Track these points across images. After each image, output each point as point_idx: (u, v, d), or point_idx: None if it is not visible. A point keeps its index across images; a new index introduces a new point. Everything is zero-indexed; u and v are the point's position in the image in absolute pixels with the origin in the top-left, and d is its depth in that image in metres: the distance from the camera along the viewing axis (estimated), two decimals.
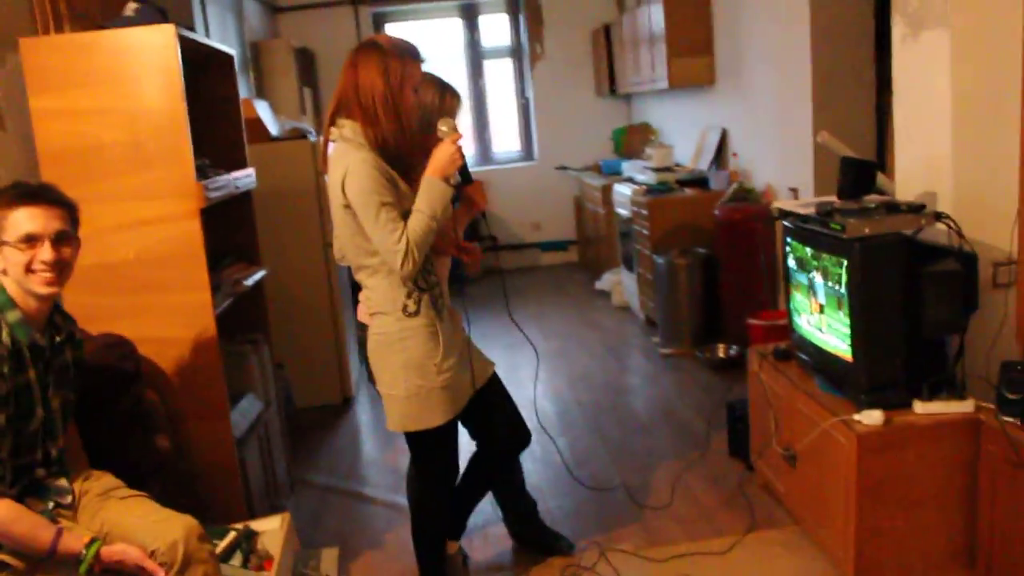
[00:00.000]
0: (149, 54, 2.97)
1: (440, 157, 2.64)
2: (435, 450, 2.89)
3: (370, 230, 2.55)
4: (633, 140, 8.46)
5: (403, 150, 2.62)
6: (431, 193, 2.60)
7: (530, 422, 3.16)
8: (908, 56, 3.38)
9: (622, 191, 6.81)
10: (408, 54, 2.63)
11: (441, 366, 2.72)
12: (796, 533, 3.34)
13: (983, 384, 2.93)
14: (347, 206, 2.57)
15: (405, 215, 2.57)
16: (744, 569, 3.17)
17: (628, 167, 7.49)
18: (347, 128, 2.61)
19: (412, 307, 2.67)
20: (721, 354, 5.47)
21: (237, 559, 2.68)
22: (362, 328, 2.93)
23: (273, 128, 5.28)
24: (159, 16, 3.15)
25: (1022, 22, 2.54)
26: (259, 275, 3.75)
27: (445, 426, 2.78)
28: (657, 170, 6.68)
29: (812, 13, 4.75)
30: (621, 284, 7.16)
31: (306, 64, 7.97)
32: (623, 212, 6.79)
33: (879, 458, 2.80)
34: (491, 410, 3.00)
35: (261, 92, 7.05)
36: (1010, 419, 2.65)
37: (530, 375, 4.61)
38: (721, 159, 6.45)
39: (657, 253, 5.94)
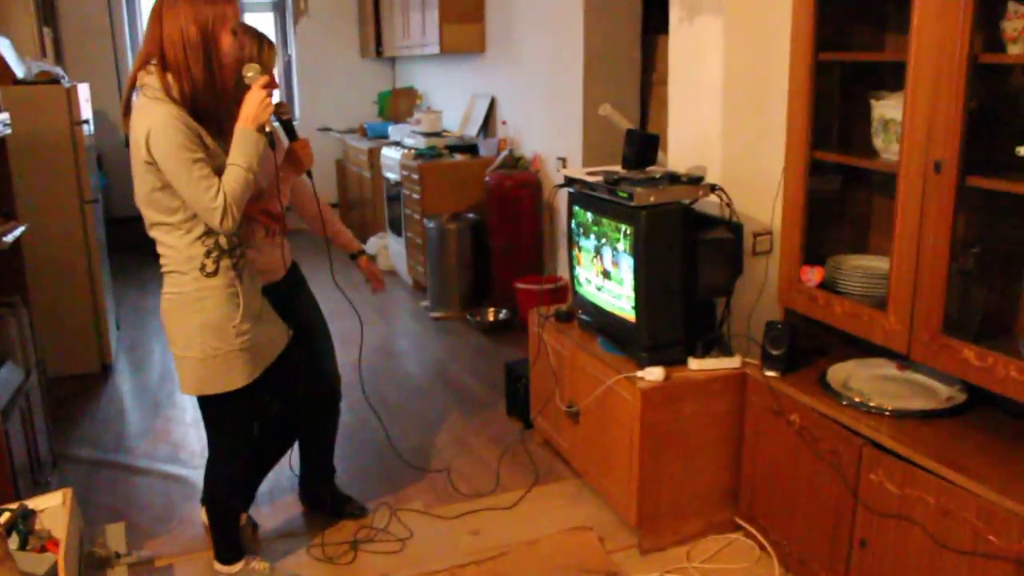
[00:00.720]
0: None
1: (250, 104, 2.51)
2: (231, 415, 2.79)
3: (182, 188, 2.42)
4: (398, 104, 8.44)
5: (218, 101, 2.49)
6: (245, 144, 2.49)
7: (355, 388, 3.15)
8: (683, 38, 3.62)
9: (390, 155, 6.79)
10: None
11: (240, 328, 2.63)
12: (578, 485, 3.54)
13: (746, 342, 3.23)
14: (150, 163, 2.42)
15: (218, 171, 2.46)
16: (533, 521, 3.32)
17: (395, 131, 7.48)
18: (151, 77, 2.44)
19: (210, 267, 2.56)
20: (491, 317, 5.63)
21: (14, 541, 2.47)
22: None
23: (18, 70, 4.81)
24: None
25: (791, 11, 2.80)
26: (19, 231, 3.44)
27: (243, 390, 2.69)
28: (426, 135, 6.72)
29: None
30: (388, 248, 7.16)
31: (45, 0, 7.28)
32: (391, 176, 6.78)
33: (660, 412, 3.02)
34: (289, 372, 2.94)
35: None
36: (772, 373, 2.94)
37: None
38: (489, 127, 6.59)
39: (427, 217, 6.00)
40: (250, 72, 2.57)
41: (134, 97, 2.47)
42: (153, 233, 2.60)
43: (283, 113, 2.66)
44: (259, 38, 2.84)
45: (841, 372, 2.86)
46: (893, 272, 2.53)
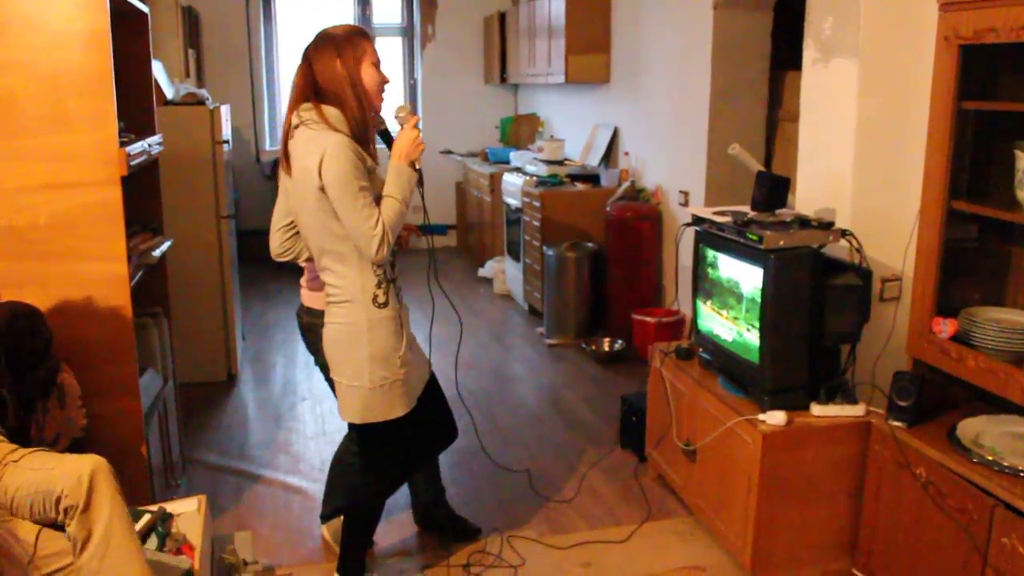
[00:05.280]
0: (75, 7, 2.82)
1: (403, 142, 2.69)
2: (390, 442, 2.90)
3: (346, 215, 2.54)
4: (520, 130, 8.57)
5: (367, 126, 2.66)
6: (399, 178, 2.65)
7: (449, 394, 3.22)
8: (817, 80, 3.59)
9: (512, 181, 6.89)
10: (357, 34, 2.68)
11: (404, 357, 2.74)
12: (691, 523, 3.53)
13: (869, 390, 3.17)
14: (322, 188, 2.56)
15: (376, 199, 2.60)
16: (643, 557, 3.32)
17: (516, 157, 7.58)
18: (313, 112, 2.60)
19: (382, 298, 2.67)
20: (606, 347, 5.64)
21: (152, 542, 2.61)
22: (311, 314, 2.91)
23: (168, 91, 5.10)
24: None
25: (933, 59, 2.75)
26: (165, 246, 3.64)
27: (403, 417, 2.80)
28: (548, 162, 6.80)
29: (715, 26, 4.95)
30: (505, 272, 7.25)
31: (191, 24, 7.68)
32: (512, 202, 6.87)
33: (780, 456, 2.99)
34: (428, 405, 3.02)
35: None
36: (898, 423, 2.87)
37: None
38: (611, 157, 6.63)
39: (547, 244, 6.06)
40: (401, 113, 2.75)
41: (297, 133, 2.62)
42: (324, 262, 2.71)
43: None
44: None
45: (971, 427, 2.78)
46: None
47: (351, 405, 2.77)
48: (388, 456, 2.95)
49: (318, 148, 2.54)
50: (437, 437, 3.15)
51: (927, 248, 2.86)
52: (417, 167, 2.70)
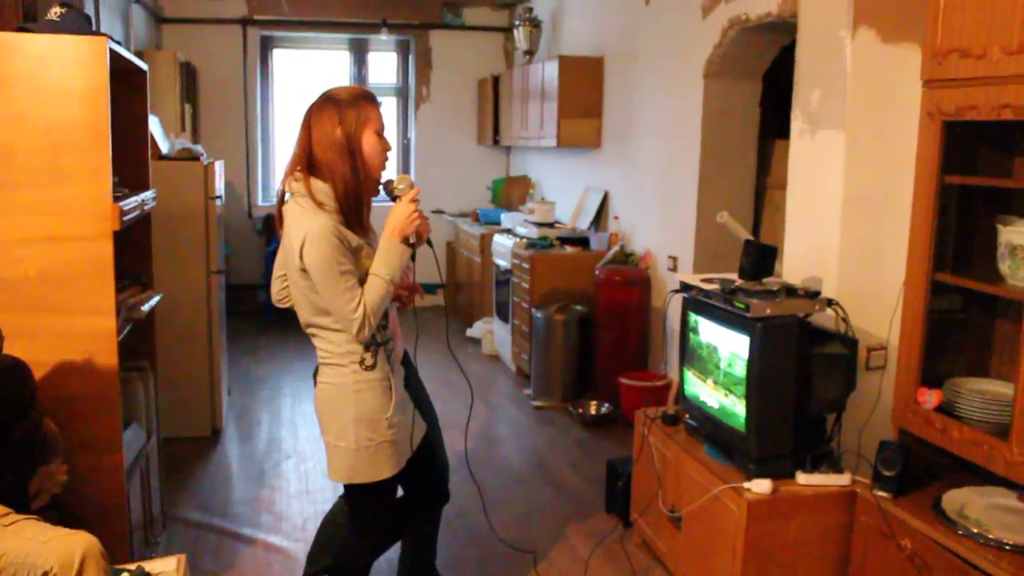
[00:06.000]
0: (76, 65, 2.86)
1: (398, 216, 2.64)
2: (376, 503, 2.87)
3: (327, 297, 2.54)
4: (512, 192, 8.64)
5: (361, 196, 2.62)
6: (390, 256, 2.60)
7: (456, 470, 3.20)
8: (804, 150, 3.66)
9: (502, 242, 6.94)
10: (362, 98, 2.64)
11: (392, 419, 2.71)
12: None
13: (855, 459, 3.17)
14: (303, 269, 2.55)
15: (362, 274, 2.58)
16: None
17: (507, 219, 7.64)
18: (301, 184, 2.59)
19: (369, 360, 2.65)
20: (593, 410, 5.63)
21: None
22: None
23: (164, 145, 5.14)
24: (85, 24, 3.04)
25: (917, 132, 2.81)
26: (154, 300, 3.64)
27: (387, 480, 2.77)
28: (538, 225, 6.85)
29: (705, 95, 5.04)
30: (493, 333, 7.26)
31: (188, 79, 7.78)
32: (502, 263, 6.91)
33: (765, 524, 2.98)
34: (420, 467, 2.99)
35: None
36: (883, 493, 2.87)
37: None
38: (601, 220, 6.68)
39: (535, 307, 6.08)
40: (401, 184, 2.70)
41: (288, 203, 2.63)
42: (310, 331, 2.73)
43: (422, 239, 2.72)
44: None
45: (956, 499, 2.78)
46: (1018, 401, 2.47)
47: (337, 465, 2.75)
48: (375, 517, 2.92)
49: (301, 230, 2.52)
50: (426, 500, 3.12)
51: (912, 319, 2.89)
52: (411, 242, 2.66)
